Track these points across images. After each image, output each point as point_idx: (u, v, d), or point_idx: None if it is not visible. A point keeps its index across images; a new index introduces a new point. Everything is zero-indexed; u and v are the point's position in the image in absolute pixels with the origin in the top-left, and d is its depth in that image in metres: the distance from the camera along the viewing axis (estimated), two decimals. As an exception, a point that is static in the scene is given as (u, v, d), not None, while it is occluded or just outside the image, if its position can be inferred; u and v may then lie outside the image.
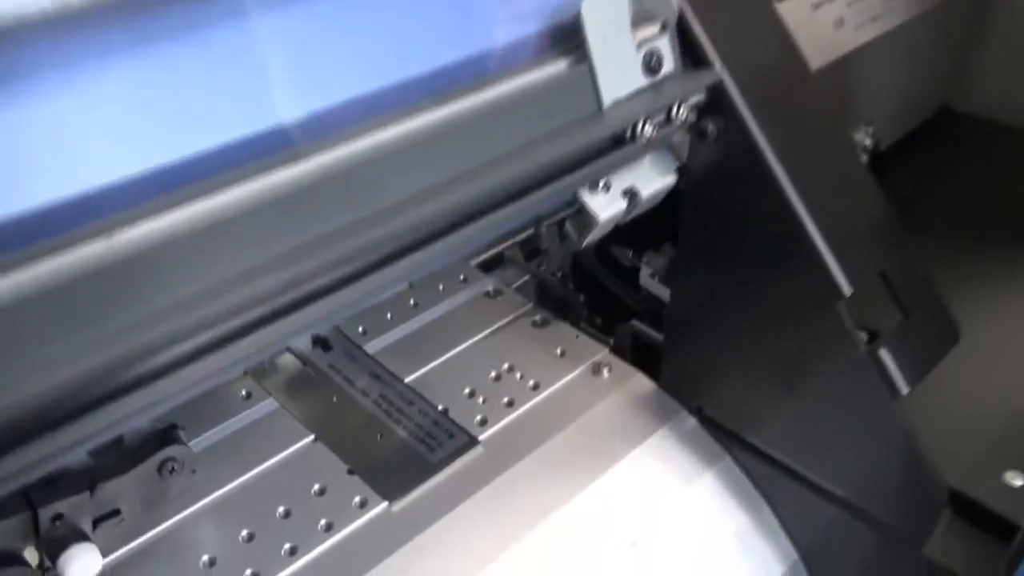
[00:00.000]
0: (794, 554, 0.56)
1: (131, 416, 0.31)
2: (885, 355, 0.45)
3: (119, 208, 0.30)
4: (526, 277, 0.74)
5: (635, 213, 0.49)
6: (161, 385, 0.31)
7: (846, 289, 0.45)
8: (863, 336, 0.45)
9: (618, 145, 0.43)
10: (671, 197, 0.53)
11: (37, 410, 0.28)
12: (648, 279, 0.65)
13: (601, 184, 0.45)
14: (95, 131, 0.30)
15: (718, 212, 0.49)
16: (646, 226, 0.68)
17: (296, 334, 0.36)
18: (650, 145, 0.43)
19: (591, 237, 0.47)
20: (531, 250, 0.77)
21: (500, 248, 0.76)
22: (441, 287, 0.67)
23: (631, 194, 0.47)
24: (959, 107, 0.91)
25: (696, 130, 0.46)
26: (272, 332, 0.34)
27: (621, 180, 0.46)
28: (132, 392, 0.30)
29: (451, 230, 0.38)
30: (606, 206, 0.46)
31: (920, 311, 0.48)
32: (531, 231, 0.74)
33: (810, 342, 0.48)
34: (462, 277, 0.68)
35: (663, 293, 0.66)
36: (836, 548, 0.55)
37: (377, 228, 0.35)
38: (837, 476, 0.52)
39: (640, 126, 0.42)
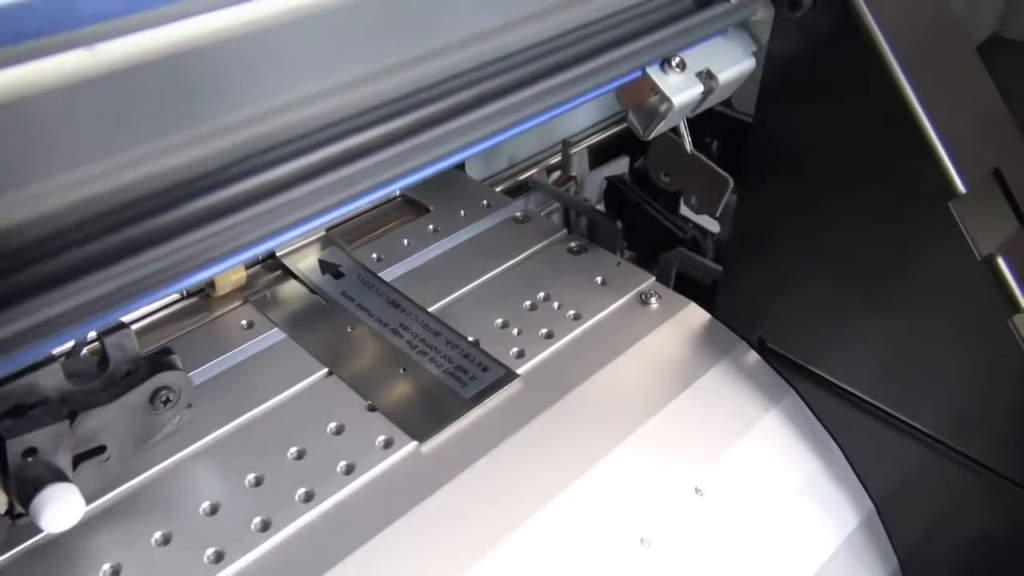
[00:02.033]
0: (869, 504, 0.50)
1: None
2: (1004, 264, 0.39)
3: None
4: (552, 206, 0.67)
5: (708, 104, 0.42)
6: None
7: (962, 186, 0.38)
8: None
9: (703, 7, 0.35)
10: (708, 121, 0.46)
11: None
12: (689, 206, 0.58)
13: (675, 62, 0.38)
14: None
15: (804, 102, 0.42)
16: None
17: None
18: (741, 10, 0.36)
19: (660, 128, 0.40)
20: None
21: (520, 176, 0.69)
22: (463, 212, 0.60)
23: (708, 76, 0.40)
24: (1007, 34, 0.86)
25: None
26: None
27: (696, 60, 0.39)
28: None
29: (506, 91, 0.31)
30: (681, 88, 0.39)
31: (1037, 217, 0.41)
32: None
33: (910, 251, 0.41)
34: (485, 202, 0.61)
35: (707, 220, 0.60)
36: (918, 497, 0.49)
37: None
38: (928, 412, 0.45)
39: (733, -18, 0.35)
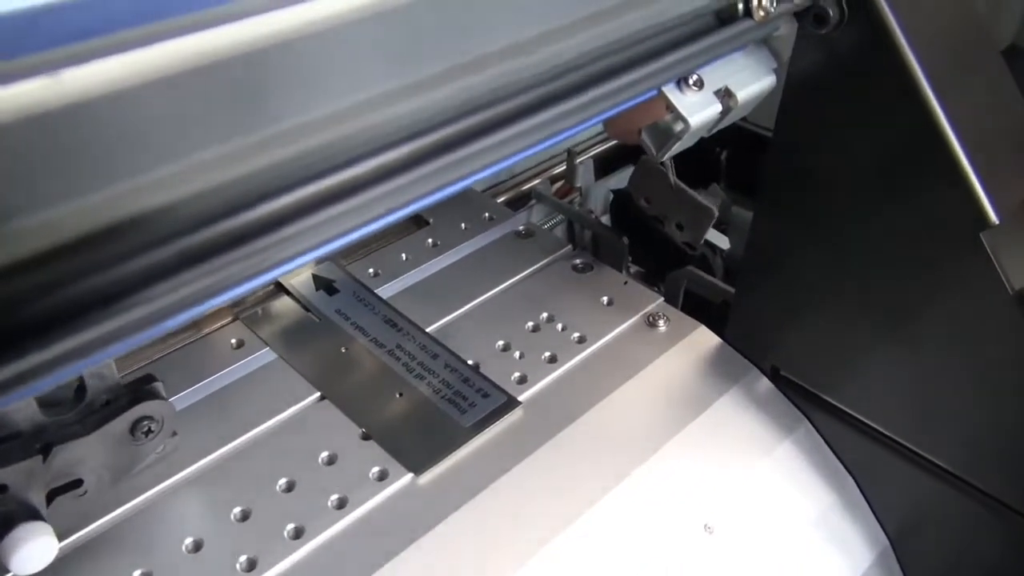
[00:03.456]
0: (884, 540, 0.48)
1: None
2: (1038, 300, 0.37)
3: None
4: (555, 219, 0.65)
5: (726, 122, 0.39)
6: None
7: (994, 217, 0.36)
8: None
9: (725, 24, 0.33)
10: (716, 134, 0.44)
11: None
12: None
13: (692, 80, 0.36)
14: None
15: (826, 122, 0.40)
16: (691, 162, 0.60)
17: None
18: (765, 26, 0.34)
19: (674, 149, 0.38)
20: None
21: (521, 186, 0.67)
22: (464, 226, 0.58)
23: (726, 95, 0.37)
24: (1025, 45, 0.84)
25: (812, 15, 0.37)
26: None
27: (714, 77, 0.37)
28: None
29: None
30: (699, 108, 0.36)
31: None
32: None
33: (935, 281, 0.39)
34: (487, 215, 0.59)
35: (715, 237, 0.58)
36: (935, 533, 0.47)
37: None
38: (947, 446, 0.43)
39: (757, -2, 0.33)
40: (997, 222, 0.36)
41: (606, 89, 0.32)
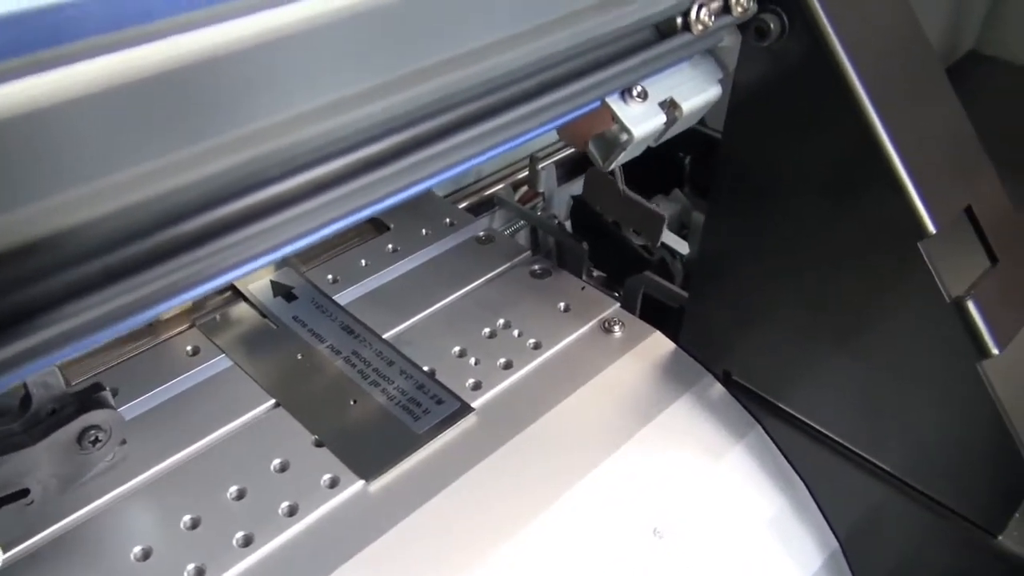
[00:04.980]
0: (833, 542, 0.49)
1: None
2: (974, 307, 0.37)
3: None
4: (518, 223, 0.65)
5: (671, 133, 0.40)
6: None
7: (932, 226, 0.37)
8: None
9: (665, 37, 0.34)
10: (680, 137, 0.45)
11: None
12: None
13: (636, 92, 0.36)
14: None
15: (771, 132, 0.40)
16: (651, 168, 0.60)
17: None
18: (705, 39, 0.34)
19: (620, 159, 0.39)
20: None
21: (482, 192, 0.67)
22: (424, 231, 0.58)
23: (671, 106, 0.38)
24: (986, 50, 0.86)
25: (753, 27, 0.37)
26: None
27: (659, 88, 0.38)
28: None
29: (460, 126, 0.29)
30: (642, 119, 0.37)
31: (1009, 256, 0.40)
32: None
33: (878, 290, 0.40)
34: (448, 221, 0.59)
35: (675, 242, 0.58)
36: (883, 536, 0.47)
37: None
38: (894, 452, 0.44)
39: (694, 12, 0.33)
40: (935, 231, 0.37)
41: (546, 101, 0.32)
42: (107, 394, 0.38)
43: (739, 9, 0.34)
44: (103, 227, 0.23)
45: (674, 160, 0.70)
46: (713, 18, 0.34)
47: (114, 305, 0.24)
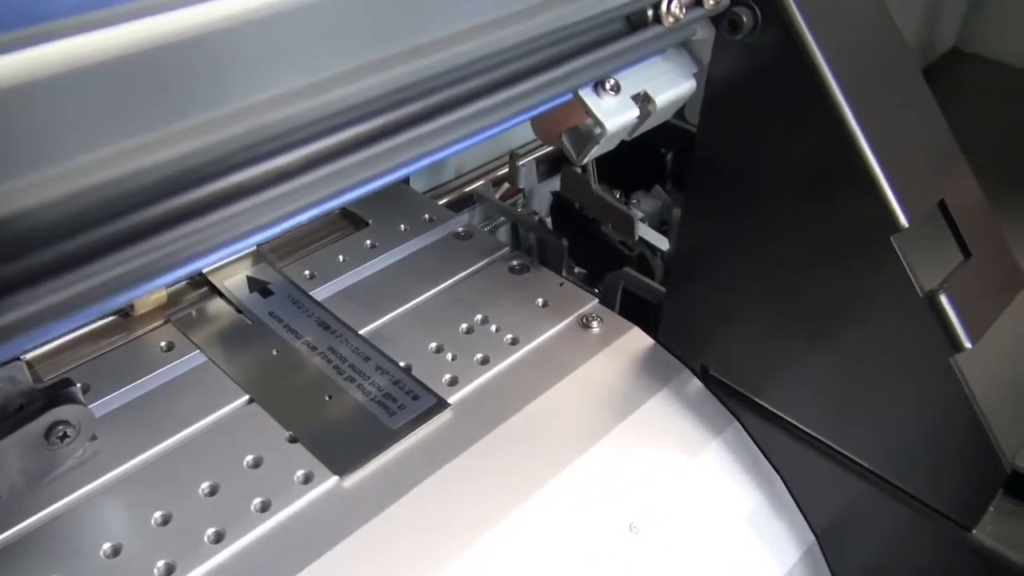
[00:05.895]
0: (810, 537, 0.49)
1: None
2: (947, 301, 0.37)
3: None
4: (499, 220, 0.65)
5: (645, 127, 0.40)
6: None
7: (904, 220, 0.37)
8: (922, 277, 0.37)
9: (636, 29, 0.33)
10: (662, 132, 0.45)
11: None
12: (638, 224, 0.56)
13: (609, 84, 0.36)
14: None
15: (745, 127, 0.40)
16: (633, 163, 0.60)
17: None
18: (677, 32, 0.34)
19: (593, 153, 0.38)
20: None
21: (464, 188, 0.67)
22: (403, 227, 0.58)
23: (644, 100, 0.38)
24: (968, 48, 0.86)
25: (727, 21, 0.37)
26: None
27: (632, 82, 0.37)
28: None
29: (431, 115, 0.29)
30: (616, 112, 0.37)
31: (982, 250, 0.40)
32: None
33: (853, 285, 0.40)
34: (427, 216, 0.59)
35: (655, 238, 0.58)
36: (859, 530, 0.47)
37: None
38: (869, 448, 0.44)
39: (665, 4, 0.33)
40: (907, 225, 0.37)
41: (517, 91, 0.32)
42: (76, 390, 0.37)
43: (711, 2, 0.34)
44: (59, 210, 0.23)
45: (656, 156, 0.70)
46: (684, 11, 0.33)
47: (72, 292, 0.23)
